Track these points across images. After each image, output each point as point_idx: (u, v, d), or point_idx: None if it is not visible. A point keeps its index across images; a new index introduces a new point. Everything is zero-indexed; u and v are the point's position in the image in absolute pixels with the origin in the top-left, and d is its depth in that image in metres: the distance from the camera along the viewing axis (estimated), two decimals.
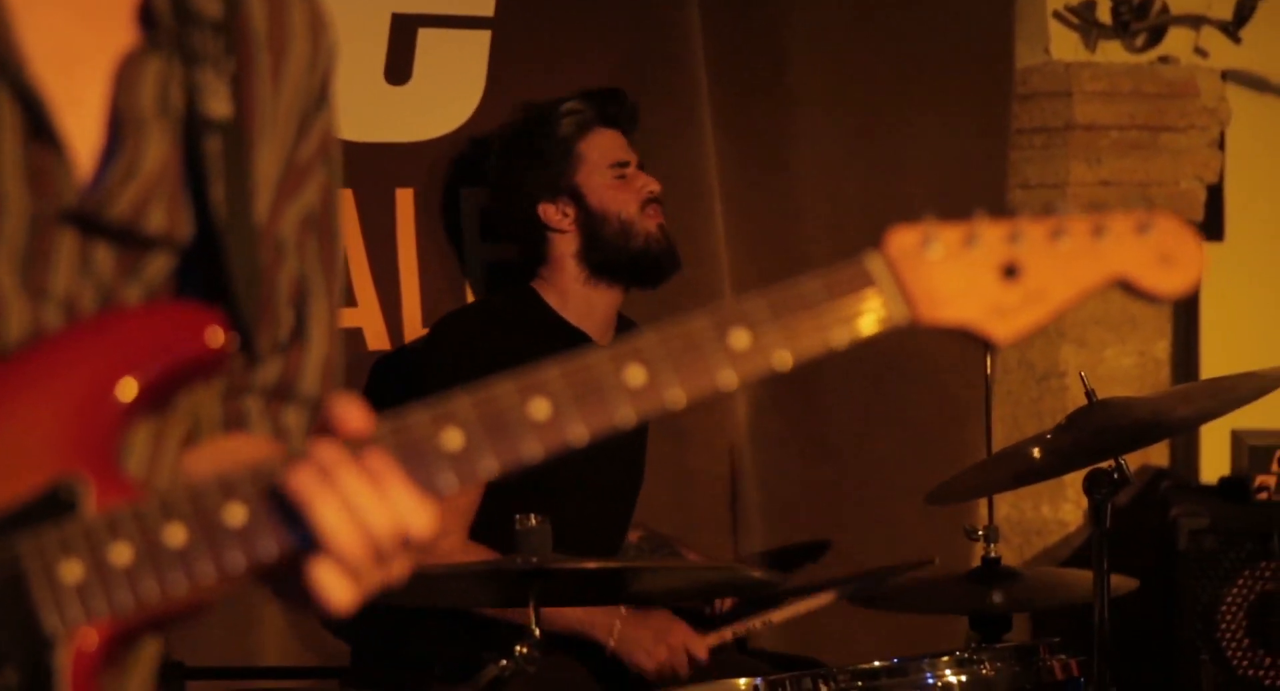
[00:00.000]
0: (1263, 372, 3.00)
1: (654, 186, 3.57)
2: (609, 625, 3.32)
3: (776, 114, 4.21)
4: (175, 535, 1.30)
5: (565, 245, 3.56)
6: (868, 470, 4.16)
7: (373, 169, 3.68)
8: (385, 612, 3.40)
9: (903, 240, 1.32)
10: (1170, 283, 1.32)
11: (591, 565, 2.62)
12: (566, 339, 3.46)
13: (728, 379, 1.31)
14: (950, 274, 1.31)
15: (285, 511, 1.29)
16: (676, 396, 1.31)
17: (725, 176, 4.13)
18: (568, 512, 3.00)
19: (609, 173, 3.55)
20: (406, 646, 3.41)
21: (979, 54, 4.37)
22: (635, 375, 1.30)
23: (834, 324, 1.32)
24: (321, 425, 1.32)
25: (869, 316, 1.32)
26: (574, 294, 3.55)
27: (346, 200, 3.46)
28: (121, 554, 1.29)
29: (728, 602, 3.55)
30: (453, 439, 1.30)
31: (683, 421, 4.04)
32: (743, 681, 2.97)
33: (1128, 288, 1.32)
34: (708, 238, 4.07)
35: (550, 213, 3.56)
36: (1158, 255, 1.31)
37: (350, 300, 3.66)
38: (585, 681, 3.34)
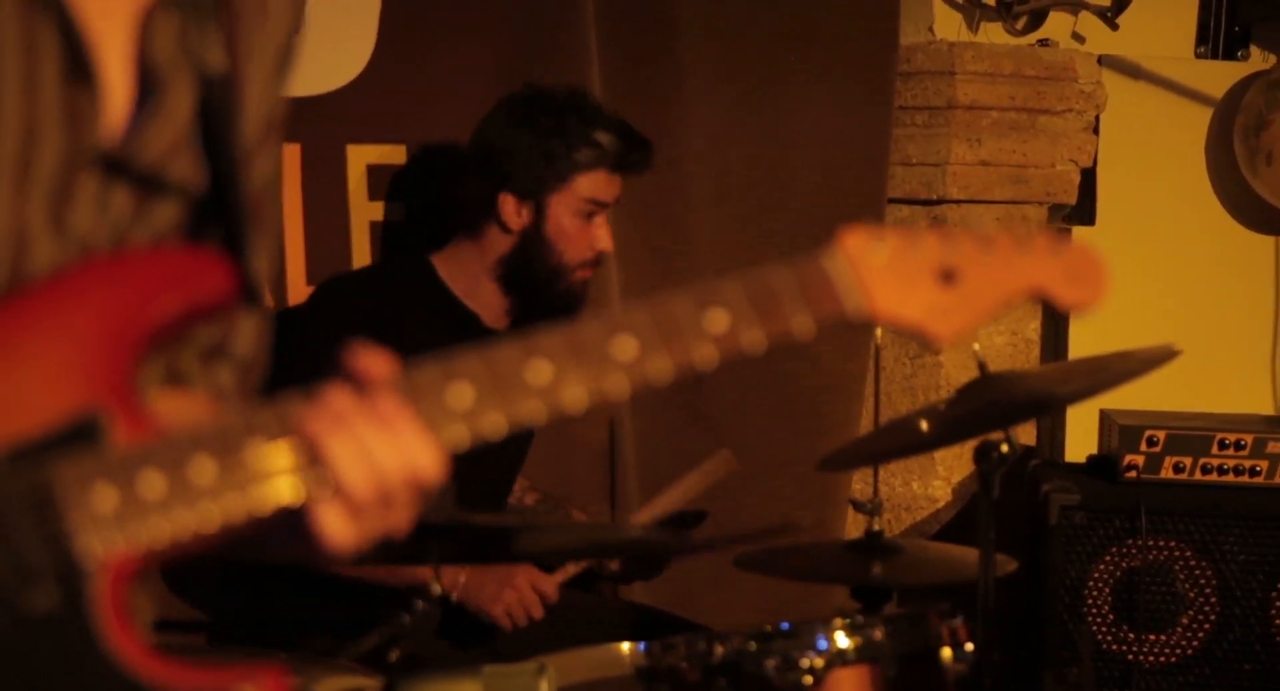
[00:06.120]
0: (1154, 349, 3.03)
1: (604, 246, 3.43)
2: (453, 578, 3.28)
3: (665, 82, 4.21)
4: (206, 470, 1.32)
5: (500, 241, 3.42)
6: (745, 441, 4.17)
7: None
8: (254, 573, 3.34)
9: (855, 240, 1.43)
10: (1076, 297, 1.48)
11: (492, 521, 2.58)
12: (458, 317, 3.40)
13: (708, 356, 1.39)
14: (895, 275, 1.43)
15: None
16: (663, 369, 1.39)
17: None
18: (453, 469, 2.96)
19: (580, 210, 3.40)
20: (274, 606, 3.35)
21: (865, 30, 4.39)
22: (627, 347, 1.38)
23: (801, 311, 1.41)
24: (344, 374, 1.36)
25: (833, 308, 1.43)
26: (477, 279, 3.44)
27: None
28: (154, 486, 1.31)
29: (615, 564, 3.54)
30: (463, 393, 1.36)
31: None
32: (625, 645, 2.95)
33: (1043, 297, 1.48)
34: None
35: (508, 206, 3.40)
36: (1067, 274, 1.47)
37: None
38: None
